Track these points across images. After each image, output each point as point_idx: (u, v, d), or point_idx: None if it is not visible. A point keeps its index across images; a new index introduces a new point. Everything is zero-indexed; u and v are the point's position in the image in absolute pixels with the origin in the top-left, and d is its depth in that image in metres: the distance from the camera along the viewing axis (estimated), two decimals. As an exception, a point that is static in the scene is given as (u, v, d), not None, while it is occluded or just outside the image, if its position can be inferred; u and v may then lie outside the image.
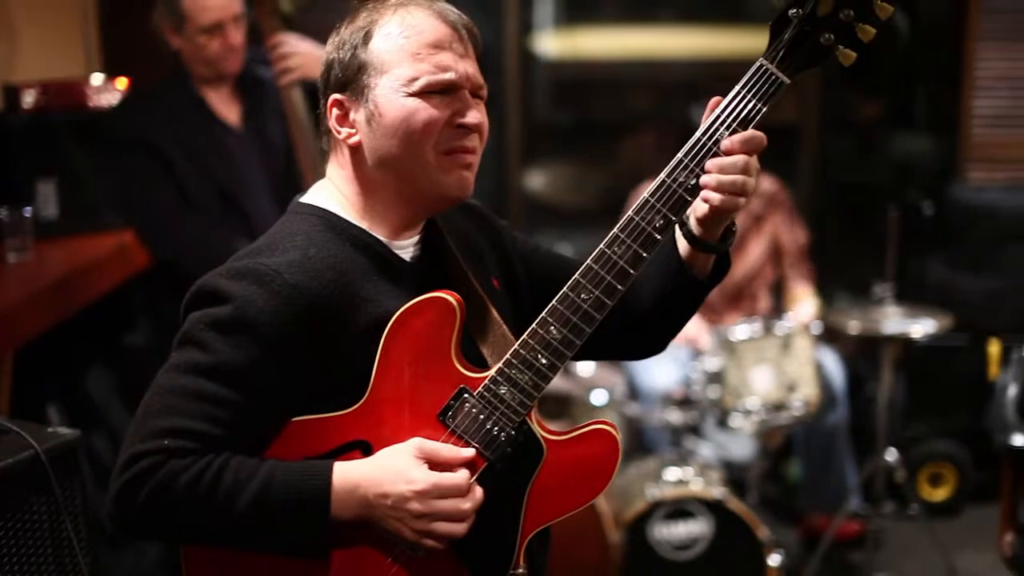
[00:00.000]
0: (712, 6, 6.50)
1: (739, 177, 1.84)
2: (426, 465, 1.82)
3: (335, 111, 1.93)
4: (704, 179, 1.85)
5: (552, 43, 6.39)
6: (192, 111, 3.65)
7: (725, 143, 1.84)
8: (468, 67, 1.92)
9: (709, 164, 1.84)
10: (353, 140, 1.93)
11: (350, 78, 1.91)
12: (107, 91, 4.19)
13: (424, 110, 1.87)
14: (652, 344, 2.22)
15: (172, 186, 3.56)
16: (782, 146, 5.25)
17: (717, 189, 1.84)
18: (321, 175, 2.04)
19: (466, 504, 1.83)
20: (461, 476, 1.84)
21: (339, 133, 1.94)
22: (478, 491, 1.86)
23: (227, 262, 1.88)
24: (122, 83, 4.23)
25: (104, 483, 1.83)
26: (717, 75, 6.19)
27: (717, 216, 1.91)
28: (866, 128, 6.33)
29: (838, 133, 6.23)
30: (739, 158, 1.84)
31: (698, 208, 1.90)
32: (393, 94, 1.88)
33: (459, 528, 1.83)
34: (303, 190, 2.06)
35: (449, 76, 1.88)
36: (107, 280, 3.77)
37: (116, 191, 3.81)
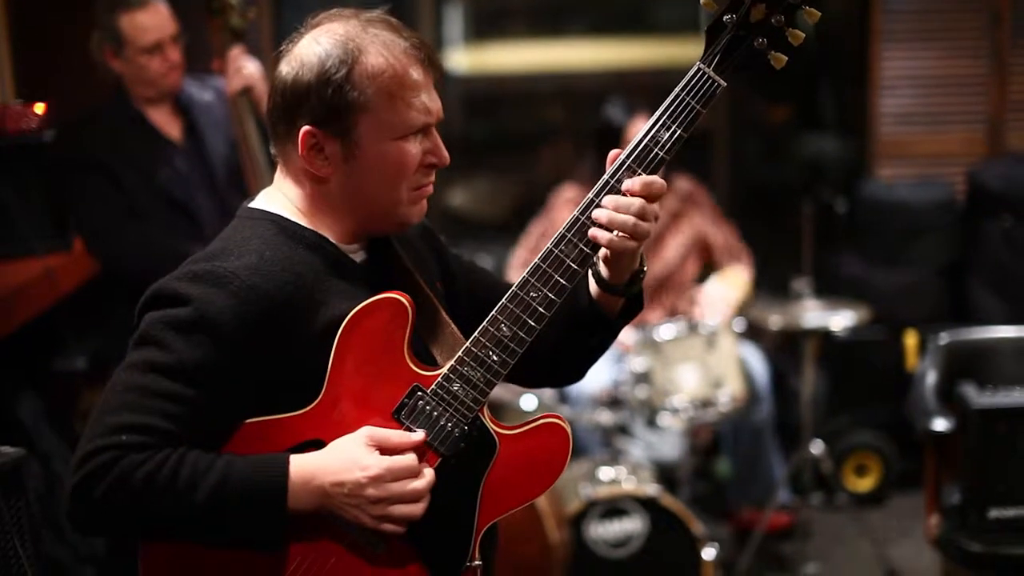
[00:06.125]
0: (619, 18, 6.59)
1: (630, 218, 1.89)
2: (377, 451, 1.86)
3: (309, 142, 1.90)
4: (596, 213, 1.90)
5: (463, 59, 6.44)
6: (136, 129, 3.81)
7: (626, 184, 1.89)
8: (438, 102, 1.96)
9: (606, 200, 1.90)
10: (324, 172, 1.93)
11: (331, 117, 1.88)
12: (25, 116, 4.14)
13: (404, 154, 1.92)
14: (568, 374, 2.26)
15: (121, 198, 3.71)
16: (695, 150, 5.34)
17: (608, 226, 1.89)
18: (266, 180, 2.06)
19: (420, 483, 1.87)
20: (412, 457, 1.87)
21: (310, 165, 1.92)
22: (428, 471, 1.89)
23: (182, 267, 1.90)
24: (40, 108, 4.19)
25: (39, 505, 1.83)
26: (626, 85, 6.28)
27: (612, 255, 1.96)
28: (776, 130, 6.46)
29: (749, 136, 6.35)
30: (634, 200, 1.89)
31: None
32: (376, 136, 1.90)
33: (416, 509, 1.87)
34: (249, 195, 2.08)
35: (428, 120, 1.93)
36: (33, 305, 3.73)
37: (71, 210, 3.82)
